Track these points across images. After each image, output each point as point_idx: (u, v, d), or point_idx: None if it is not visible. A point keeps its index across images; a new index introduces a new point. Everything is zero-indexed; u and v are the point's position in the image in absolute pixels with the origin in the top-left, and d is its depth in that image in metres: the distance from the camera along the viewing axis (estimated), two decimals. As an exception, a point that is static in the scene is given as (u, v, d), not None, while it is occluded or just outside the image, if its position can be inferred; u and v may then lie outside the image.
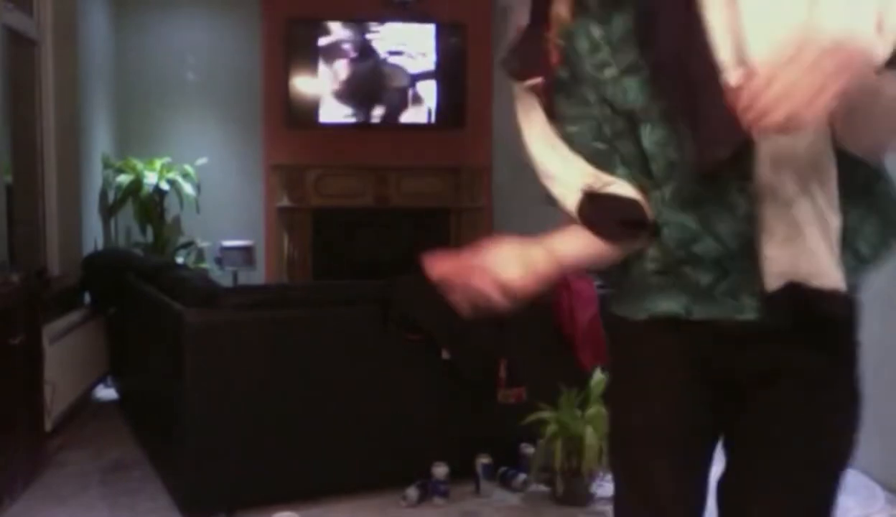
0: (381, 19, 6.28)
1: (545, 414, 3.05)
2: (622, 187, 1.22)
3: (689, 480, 1.31)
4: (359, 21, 6.25)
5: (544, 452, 3.05)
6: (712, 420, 1.30)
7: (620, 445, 1.36)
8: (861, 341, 1.41)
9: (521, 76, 1.27)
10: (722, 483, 1.31)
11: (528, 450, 3.18)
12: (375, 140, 6.36)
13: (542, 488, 3.15)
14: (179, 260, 5.78)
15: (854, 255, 1.20)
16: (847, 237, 1.17)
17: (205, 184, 5.98)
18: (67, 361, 3.79)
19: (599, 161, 1.23)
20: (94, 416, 4.15)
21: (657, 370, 1.30)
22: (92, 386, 4.37)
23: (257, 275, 6.19)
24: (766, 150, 1.10)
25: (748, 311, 1.19)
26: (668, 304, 1.23)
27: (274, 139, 6.31)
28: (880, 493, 3.14)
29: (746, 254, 1.15)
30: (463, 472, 3.13)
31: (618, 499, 1.37)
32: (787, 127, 0.93)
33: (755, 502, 1.26)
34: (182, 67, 6.23)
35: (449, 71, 6.38)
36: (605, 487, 3.14)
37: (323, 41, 6.21)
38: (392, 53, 6.30)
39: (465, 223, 6.41)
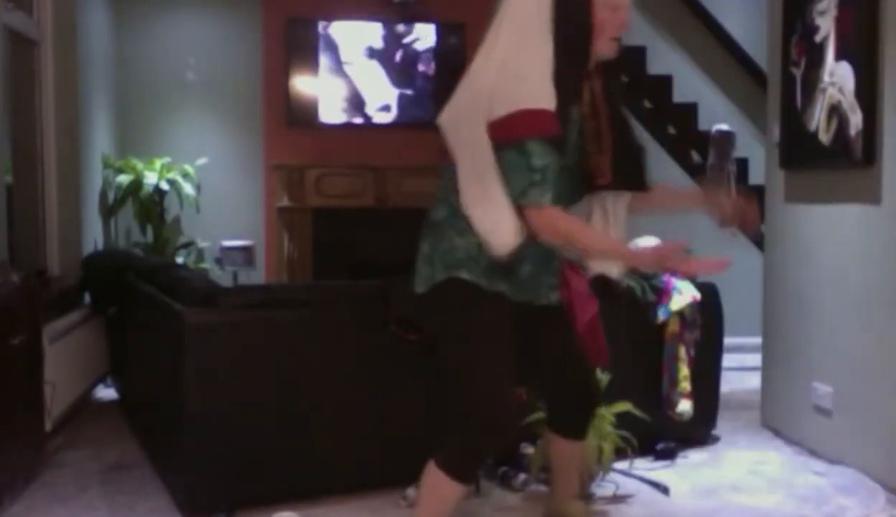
0: (382, 19, 6.28)
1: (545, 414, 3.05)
2: None
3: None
4: (359, 21, 6.26)
5: (544, 452, 3.05)
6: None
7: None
8: None
9: None
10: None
11: (528, 450, 3.17)
12: (375, 140, 6.36)
13: (542, 488, 3.15)
14: (179, 260, 5.79)
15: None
16: None
17: (205, 184, 5.98)
18: (67, 361, 3.79)
19: None
20: (94, 416, 4.15)
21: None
22: (92, 386, 4.37)
23: (257, 275, 6.19)
24: None
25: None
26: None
27: (274, 139, 6.31)
28: (880, 493, 3.14)
29: None
30: (463, 472, 3.12)
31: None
32: None
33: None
34: (182, 67, 6.23)
35: (449, 71, 6.38)
36: (604, 487, 3.14)
37: (323, 41, 6.21)
38: (392, 53, 6.30)
39: (465, 223, 6.39)
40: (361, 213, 6.34)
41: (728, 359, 3.88)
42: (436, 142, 2.36)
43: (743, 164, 5.65)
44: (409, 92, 6.36)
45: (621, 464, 3.21)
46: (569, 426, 2.54)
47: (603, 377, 3.14)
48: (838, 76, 3.41)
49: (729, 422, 3.90)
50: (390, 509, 2.99)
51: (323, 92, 6.24)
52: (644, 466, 3.36)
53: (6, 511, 2.89)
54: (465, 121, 2.20)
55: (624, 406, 3.09)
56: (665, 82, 6.11)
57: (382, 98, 6.33)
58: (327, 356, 3.03)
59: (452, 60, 6.38)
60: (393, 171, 6.31)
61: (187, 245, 6.02)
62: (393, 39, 6.30)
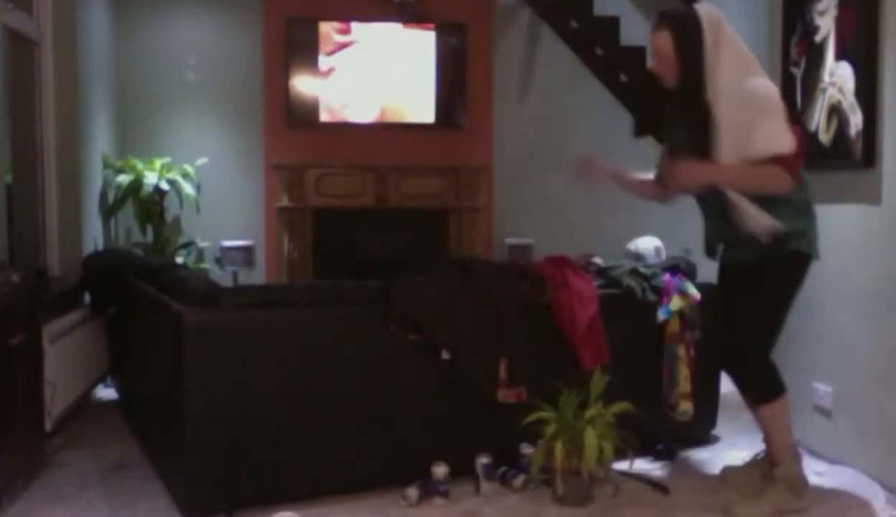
0: (382, 19, 6.28)
1: (545, 414, 3.05)
2: None
3: None
4: (359, 21, 6.26)
5: (544, 452, 3.05)
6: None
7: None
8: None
9: None
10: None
11: (528, 450, 3.17)
12: (375, 140, 6.36)
13: (542, 488, 3.15)
14: (179, 260, 5.79)
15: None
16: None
17: (205, 184, 5.98)
18: (67, 361, 3.79)
19: None
20: (94, 416, 4.15)
21: None
22: (92, 386, 4.37)
23: (257, 275, 6.19)
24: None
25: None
26: None
27: (274, 139, 6.31)
28: (880, 493, 3.14)
29: None
30: (463, 472, 3.13)
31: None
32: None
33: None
34: (182, 67, 6.24)
35: (449, 71, 6.39)
36: (604, 487, 3.14)
37: (323, 41, 6.21)
38: (392, 53, 6.30)
39: (465, 223, 6.40)
40: (361, 213, 6.35)
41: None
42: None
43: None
44: (409, 92, 6.36)
45: (621, 464, 3.21)
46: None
47: (602, 377, 3.14)
48: (838, 76, 3.41)
49: (729, 422, 3.89)
50: (390, 509, 2.99)
51: (323, 92, 6.24)
52: (644, 466, 3.36)
53: (6, 511, 2.89)
54: None
55: (624, 406, 3.09)
56: (665, 82, 6.11)
57: (383, 98, 6.33)
58: (327, 356, 3.03)
59: (453, 61, 6.39)
60: (393, 171, 6.31)
61: (187, 245, 6.02)
62: (393, 39, 6.30)
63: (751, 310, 2.99)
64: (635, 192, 3.37)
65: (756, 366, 3.03)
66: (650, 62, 3.02)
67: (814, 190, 3.04)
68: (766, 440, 3.13)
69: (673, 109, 3.13)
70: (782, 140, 2.83)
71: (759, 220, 2.86)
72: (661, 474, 3.34)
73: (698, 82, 2.88)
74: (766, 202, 2.88)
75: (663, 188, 3.22)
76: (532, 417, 3.05)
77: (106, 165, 5.58)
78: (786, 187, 2.85)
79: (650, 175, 3.33)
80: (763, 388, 3.03)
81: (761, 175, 2.86)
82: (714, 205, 3.02)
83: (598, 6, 6.26)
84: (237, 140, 6.32)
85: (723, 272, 3.20)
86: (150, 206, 5.69)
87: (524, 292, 3.31)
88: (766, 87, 2.91)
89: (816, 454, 3.54)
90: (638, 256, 4.54)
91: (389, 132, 6.37)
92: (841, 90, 3.39)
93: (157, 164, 5.72)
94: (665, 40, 2.94)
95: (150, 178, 5.60)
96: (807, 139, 3.09)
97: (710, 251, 3.16)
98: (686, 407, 3.45)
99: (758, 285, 2.98)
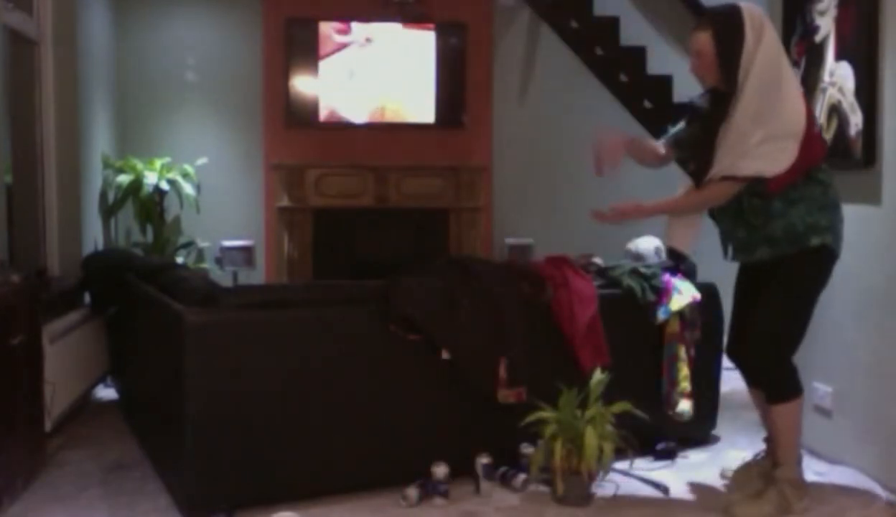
0: (382, 19, 6.28)
1: (545, 414, 3.05)
2: None
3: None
4: (359, 21, 6.26)
5: (544, 452, 3.05)
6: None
7: None
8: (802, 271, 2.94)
9: None
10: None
11: (528, 450, 3.17)
12: (375, 140, 6.36)
13: (542, 488, 3.15)
14: (179, 260, 5.79)
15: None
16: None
17: (205, 184, 5.98)
18: (67, 361, 3.79)
19: None
20: (94, 416, 4.15)
21: None
22: (92, 386, 4.37)
23: (257, 275, 6.19)
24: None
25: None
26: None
27: (274, 139, 6.31)
28: (880, 493, 3.14)
29: None
30: (463, 472, 3.13)
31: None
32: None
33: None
34: (182, 67, 6.24)
35: (449, 71, 6.39)
36: (604, 487, 3.14)
37: (323, 41, 6.21)
38: (392, 53, 6.30)
39: (465, 223, 6.40)
40: (361, 213, 6.35)
41: (728, 359, 3.87)
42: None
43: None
44: (409, 92, 6.35)
45: (621, 464, 3.21)
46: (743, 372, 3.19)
47: (602, 377, 3.14)
48: (838, 76, 3.41)
49: (729, 422, 3.90)
50: (390, 509, 2.99)
51: (323, 92, 6.24)
52: (644, 466, 3.36)
53: (6, 511, 2.89)
54: None
55: (624, 406, 3.09)
56: (665, 82, 6.11)
57: (383, 98, 6.33)
58: (327, 356, 3.03)
59: (453, 61, 6.39)
60: (393, 171, 6.31)
61: (187, 245, 6.02)
62: (393, 39, 6.30)
63: (776, 311, 2.94)
64: (637, 158, 3.27)
65: (778, 367, 2.98)
66: (690, 63, 2.99)
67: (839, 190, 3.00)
68: (769, 439, 3.12)
69: (701, 106, 3.09)
70: (769, 162, 2.85)
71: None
72: (661, 474, 3.34)
73: (733, 78, 2.85)
74: (788, 200, 2.88)
75: (663, 158, 3.25)
76: (532, 417, 3.05)
77: (106, 165, 5.58)
78: (725, 198, 2.95)
79: (654, 142, 3.34)
80: (780, 389, 2.99)
81: (704, 197, 2.99)
82: (731, 206, 2.99)
83: (598, 6, 6.26)
84: (237, 140, 6.32)
85: (742, 273, 3.16)
86: (150, 206, 5.69)
87: (524, 292, 3.31)
88: (787, 110, 2.87)
89: (816, 454, 3.54)
90: (638, 256, 4.54)
91: (389, 132, 6.37)
92: (841, 90, 3.39)
93: (157, 164, 5.72)
94: (706, 39, 2.91)
95: (150, 178, 5.60)
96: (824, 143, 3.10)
97: (727, 252, 3.12)
98: (686, 407, 3.45)
99: (782, 285, 2.93)
